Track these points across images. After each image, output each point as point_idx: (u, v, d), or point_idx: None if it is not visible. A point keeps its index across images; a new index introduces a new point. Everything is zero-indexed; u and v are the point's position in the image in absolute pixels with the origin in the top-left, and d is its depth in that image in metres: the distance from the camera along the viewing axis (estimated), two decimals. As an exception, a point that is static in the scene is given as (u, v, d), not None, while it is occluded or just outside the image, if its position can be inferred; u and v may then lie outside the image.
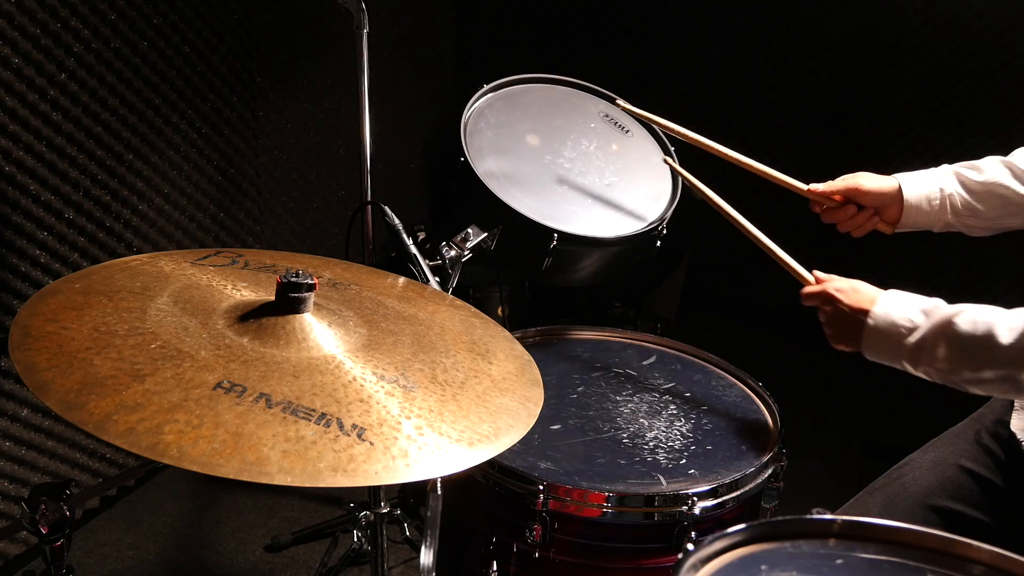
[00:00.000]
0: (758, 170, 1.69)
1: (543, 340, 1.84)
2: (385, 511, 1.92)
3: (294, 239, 3.07)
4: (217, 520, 2.50)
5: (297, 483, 0.89)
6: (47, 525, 1.12)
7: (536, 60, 2.93)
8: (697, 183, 1.74)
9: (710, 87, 3.71)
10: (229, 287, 1.20)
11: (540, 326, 1.85)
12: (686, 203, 1.81)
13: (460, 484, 1.41)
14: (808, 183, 1.66)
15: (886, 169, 1.67)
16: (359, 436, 0.96)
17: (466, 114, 1.81)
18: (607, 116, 1.95)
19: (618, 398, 1.63)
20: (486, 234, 1.69)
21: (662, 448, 1.47)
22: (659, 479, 1.39)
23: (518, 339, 1.34)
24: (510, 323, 1.82)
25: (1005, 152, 1.60)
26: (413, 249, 1.58)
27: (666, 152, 1.92)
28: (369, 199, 1.99)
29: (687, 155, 1.88)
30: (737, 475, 1.39)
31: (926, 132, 3.43)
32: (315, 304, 1.13)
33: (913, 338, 1.30)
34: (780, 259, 1.54)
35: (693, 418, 1.58)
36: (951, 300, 1.33)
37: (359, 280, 1.36)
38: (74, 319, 1.04)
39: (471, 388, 1.13)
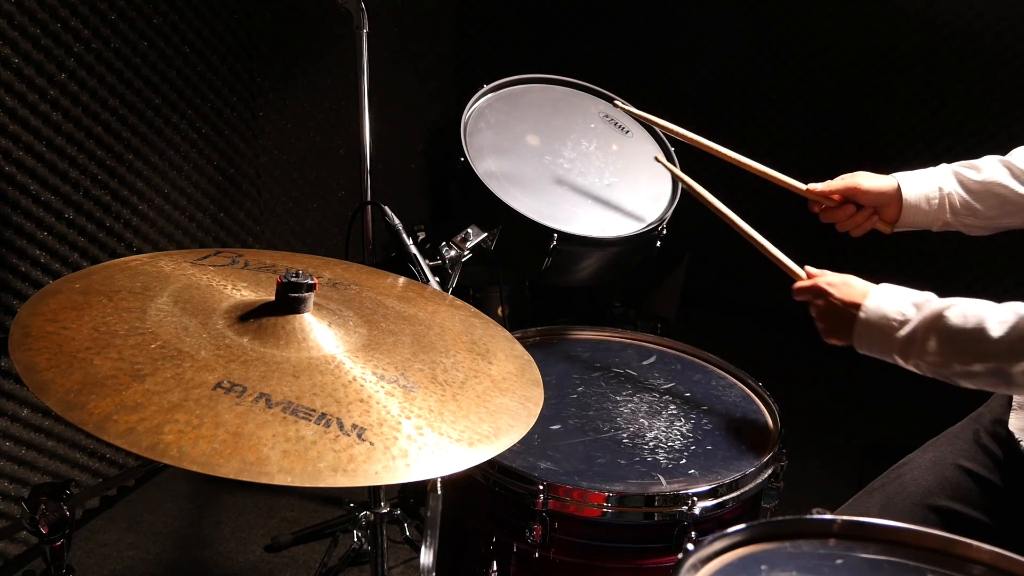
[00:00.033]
0: (756, 170, 1.69)
1: (543, 340, 1.84)
2: (385, 511, 1.92)
3: (294, 239, 3.07)
4: (217, 520, 2.50)
5: (297, 483, 0.89)
6: (47, 525, 1.12)
7: (536, 60, 2.93)
8: (687, 179, 1.74)
9: (710, 87, 3.71)
10: (229, 287, 1.20)
11: (540, 326, 1.85)
12: (686, 203, 1.81)
13: (460, 484, 1.41)
14: (807, 183, 1.66)
15: (886, 169, 1.67)
16: (359, 436, 0.96)
17: (466, 114, 1.81)
18: (607, 116, 1.95)
19: (618, 398, 1.63)
20: (486, 234, 1.69)
21: (662, 448, 1.47)
22: (659, 479, 1.39)
23: (518, 339, 1.34)
24: (510, 323, 1.83)
25: (1004, 152, 1.60)
26: (413, 249, 1.58)
27: (666, 152, 1.92)
28: (369, 199, 1.99)
29: (686, 155, 1.88)
30: (737, 475, 1.39)
31: (926, 132, 3.43)
32: (315, 304, 1.13)
33: (904, 331, 1.30)
34: (771, 255, 1.54)
35: (693, 418, 1.58)
36: (950, 299, 1.33)
37: (359, 280, 1.36)
38: (74, 319, 1.04)
39: (471, 388, 1.13)
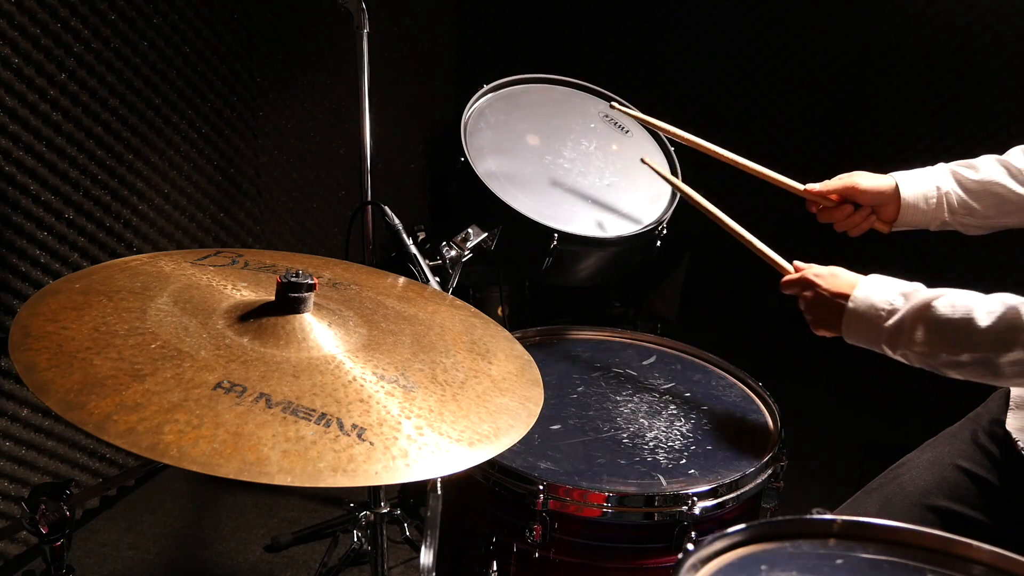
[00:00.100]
0: (753, 170, 1.69)
1: (543, 340, 1.84)
2: (385, 511, 1.92)
3: (294, 239, 3.07)
4: (217, 520, 2.50)
5: (297, 483, 0.89)
6: (47, 525, 1.12)
7: (536, 60, 2.93)
8: (673, 179, 1.74)
9: (710, 87, 3.71)
10: (229, 287, 1.20)
11: (540, 326, 1.85)
12: (686, 203, 1.81)
13: (460, 484, 1.41)
14: (806, 183, 1.66)
15: (886, 169, 1.67)
16: (359, 436, 0.96)
17: (466, 114, 1.81)
18: (607, 116, 1.96)
19: (618, 398, 1.63)
20: (486, 234, 1.69)
21: (662, 448, 1.47)
22: (659, 479, 1.39)
23: (518, 339, 1.34)
24: (510, 323, 1.82)
25: (1003, 152, 1.60)
26: (413, 249, 1.58)
27: (666, 152, 1.92)
28: (369, 199, 1.99)
29: (686, 156, 1.88)
30: (737, 475, 1.39)
31: (926, 132, 3.43)
32: (315, 304, 1.13)
33: (892, 321, 1.30)
34: (759, 250, 1.54)
35: (693, 418, 1.58)
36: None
37: (359, 280, 1.37)
38: (74, 319, 1.04)
39: (471, 388, 1.13)
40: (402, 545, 2.35)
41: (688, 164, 1.88)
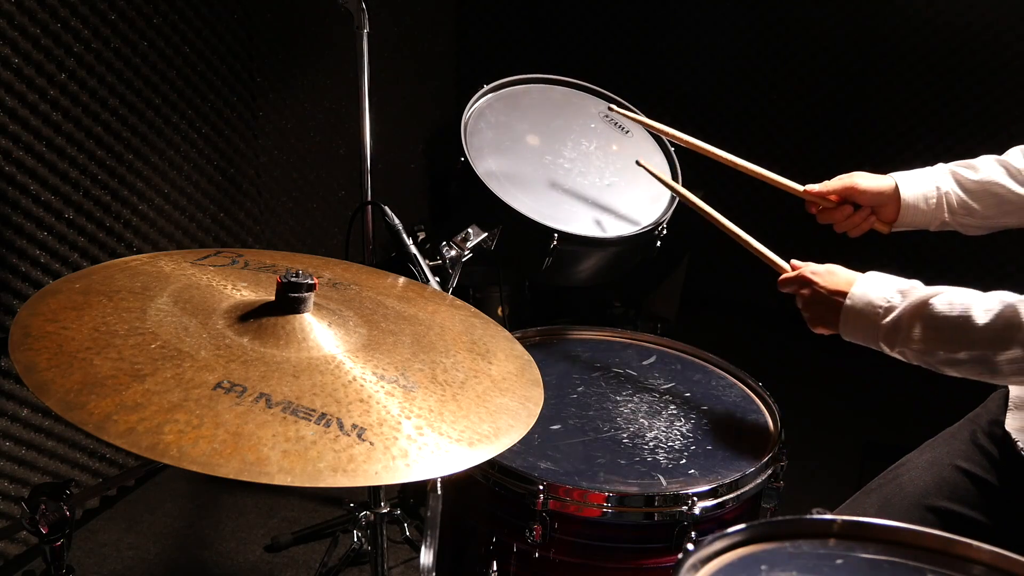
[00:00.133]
0: (753, 172, 1.69)
1: (543, 340, 1.84)
2: (385, 511, 1.92)
3: (294, 239, 3.07)
4: (217, 520, 2.50)
5: (297, 483, 0.89)
6: (47, 525, 1.12)
7: (536, 60, 2.93)
8: (668, 180, 1.74)
9: (710, 87, 3.71)
10: (229, 287, 1.20)
11: (540, 326, 1.85)
12: (685, 204, 1.81)
13: (460, 484, 1.41)
14: (805, 184, 1.66)
15: (886, 169, 1.67)
16: (359, 436, 0.96)
17: (466, 114, 1.81)
18: (607, 117, 1.95)
19: (618, 398, 1.63)
20: (486, 234, 1.69)
21: (662, 448, 1.47)
22: (659, 479, 1.39)
23: (518, 339, 1.34)
24: (510, 323, 1.83)
25: (1003, 152, 1.60)
26: (413, 249, 1.58)
27: (667, 153, 1.92)
28: (369, 199, 2.00)
29: (686, 156, 1.88)
30: (737, 475, 1.39)
31: (926, 132, 3.43)
32: (315, 304, 1.13)
33: (889, 318, 1.30)
34: (755, 250, 1.54)
35: (693, 418, 1.58)
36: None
37: (359, 280, 1.37)
38: (74, 319, 1.04)
39: (471, 388, 1.13)
40: (402, 545, 2.35)
41: (688, 164, 1.88)
